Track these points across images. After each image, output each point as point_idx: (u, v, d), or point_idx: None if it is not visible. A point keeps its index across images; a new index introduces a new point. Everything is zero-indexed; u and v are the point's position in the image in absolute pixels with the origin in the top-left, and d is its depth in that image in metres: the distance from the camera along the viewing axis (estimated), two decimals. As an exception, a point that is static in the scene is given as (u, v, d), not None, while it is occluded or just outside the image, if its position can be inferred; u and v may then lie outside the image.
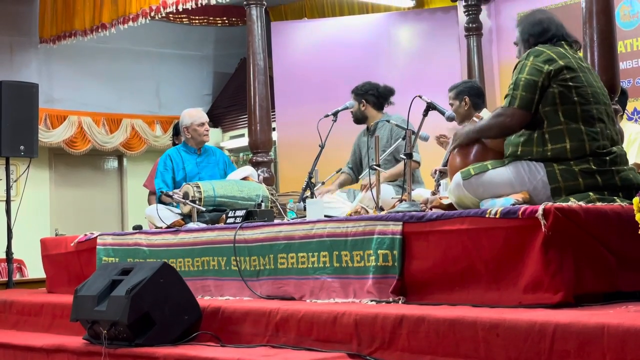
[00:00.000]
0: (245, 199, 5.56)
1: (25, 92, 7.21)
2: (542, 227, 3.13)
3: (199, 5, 7.60)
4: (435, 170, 5.09)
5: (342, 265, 3.93)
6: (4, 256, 7.12)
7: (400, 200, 4.26)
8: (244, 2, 6.93)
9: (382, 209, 4.31)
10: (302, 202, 5.06)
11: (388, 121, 5.61)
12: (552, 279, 3.13)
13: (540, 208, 3.15)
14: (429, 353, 3.09)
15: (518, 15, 8.02)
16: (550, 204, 3.19)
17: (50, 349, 4.44)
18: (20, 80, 7.91)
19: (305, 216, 4.68)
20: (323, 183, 5.57)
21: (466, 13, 8.55)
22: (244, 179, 5.91)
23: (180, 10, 7.90)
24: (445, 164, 4.27)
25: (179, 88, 11.60)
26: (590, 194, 3.55)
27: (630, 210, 3.35)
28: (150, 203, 6.67)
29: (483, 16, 8.61)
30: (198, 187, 5.46)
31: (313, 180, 5.18)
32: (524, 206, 3.29)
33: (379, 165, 4.55)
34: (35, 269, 7.77)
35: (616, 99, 4.63)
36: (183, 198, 5.40)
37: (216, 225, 5.01)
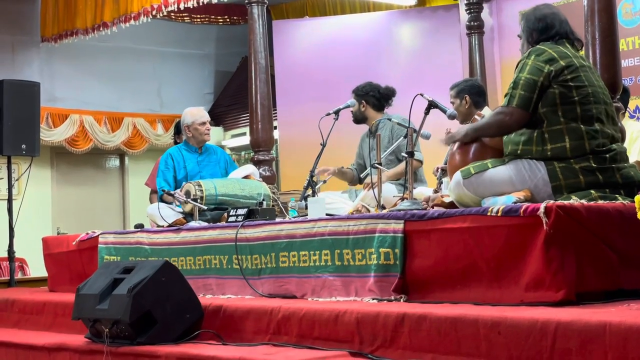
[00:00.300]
0: (247, 197, 5.56)
1: (27, 90, 7.21)
2: (544, 225, 3.13)
3: (200, 3, 7.60)
4: (438, 168, 5.09)
5: (344, 264, 3.93)
6: (5, 255, 7.12)
7: (402, 199, 4.26)
8: (245, 1, 6.93)
9: (383, 207, 4.31)
10: (303, 201, 5.06)
11: (389, 119, 5.61)
12: (554, 277, 3.13)
13: (542, 206, 3.15)
14: (430, 351, 3.09)
15: (520, 13, 8.01)
16: (551, 202, 3.19)
17: (52, 348, 4.44)
18: (22, 79, 7.92)
19: (306, 215, 4.68)
20: (324, 182, 5.57)
21: (468, 11, 8.54)
22: (246, 177, 5.91)
23: (182, 8, 7.90)
24: (447, 162, 4.27)
25: (180, 87, 11.60)
26: (592, 191, 3.55)
27: (632, 208, 3.35)
28: (151, 202, 6.68)
29: (485, 14, 8.60)
30: (200, 185, 5.47)
31: (314, 178, 5.18)
32: (526, 204, 3.29)
33: (380, 164, 4.55)
34: (37, 268, 7.77)
35: (618, 97, 4.62)
36: (185, 197, 5.41)
37: (218, 223, 5.01)
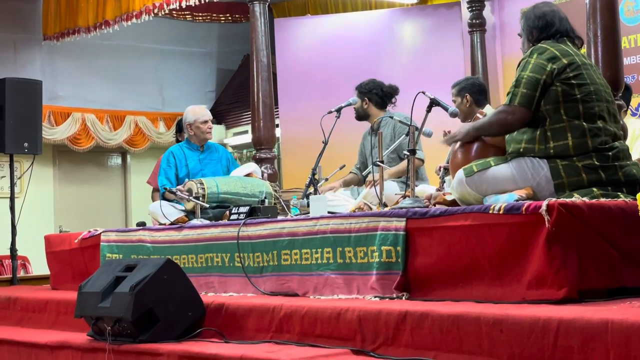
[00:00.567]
0: (249, 195, 5.56)
1: (29, 89, 7.22)
2: (546, 222, 3.13)
3: (202, 2, 7.60)
4: (440, 167, 5.09)
5: (346, 262, 3.93)
6: (8, 253, 7.13)
7: (404, 197, 4.26)
8: (247, -1, 6.93)
9: (385, 205, 4.31)
10: (305, 199, 5.06)
11: (392, 117, 5.60)
12: (556, 275, 3.13)
13: (544, 204, 3.15)
14: (432, 349, 3.09)
15: (522, 9, 8.00)
16: (554, 199, 3.19)
17: (54, 346, 4.44)
18: (24, 77, 7.92)
19: (308, 213, 4.68)
20: (327, 179, 5.57)
21: (470, 9, 8.54)
22: (248, 175, 5.91)
23: (184, 7, 7.90)
24: (449, 161, 4.27)
25: (182, 85, 11.60)
26: (594, 189, 3.55)
27: (634, 206, 3.35)
28: (153, 200, 6.68)
29: (487, 12, 8.60)
30: (201, 183, 5.47)
31: (316, 176, 5.18)
32: (528, 202, 3.29)
33: (382, 162, 4.55)
34: (39, 266, 7.78)
35: (620, 94, 4.62)
36: (187, 194, 5.41)
37: (220, 221, 5.01)
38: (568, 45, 3.79)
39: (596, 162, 3.60)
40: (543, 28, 3.84)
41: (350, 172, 6.05)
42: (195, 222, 5.14)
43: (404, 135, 5.27)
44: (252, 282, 4.36)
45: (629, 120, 5.26)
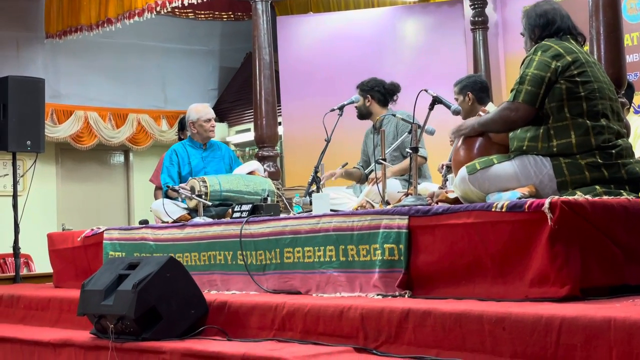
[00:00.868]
0: (252, 193, 5.57)
1: (31, 87, 7.22)
2: (549, 220, 3.12)
3: (204, 0, 7.59)
4: (442, 165, 5.09)
5: (348, 260, 3.93)
6: (11, 251, 7.14)
7: (406, 194, 4.26)
8: (250, -3, 6.93)
9: (388, 203, 4.31)
10: (308, 197, 5.06)
11: (394, 115, 5.61)
12: (559, 273, 3.13)
13: (547, 202, 3.15)
14: (435, 347, 3.09)
15: (524, 8, 7.99)
16: (556, 197, 3.19)
17: (57, 344, 4.45)
18: (26, 76, 7.92)
19: (311, 210, 4.68)
20: (333, 179, 5.57)
21: (472, 7, 8.53)
22: (250, 173, 5.92)
23: (186, 4, 7.90)
24: (451, 159, 4.27)
25: (184, 83, 11.61)
26: (597, 187, 3.55)
27: (637, 204, 3.36)
28: (156, 198, 6.68)
29: (489, 10, 8.60)
30: (204, 181, 5.47)
31: (319, 174, 5.18)
32: (530, 200, 3.29)
33: (384, 159, 4.55)
34: (42, 264, 7.80)
35: (622, 92, 4.61)
36: (189, 192, 5.41)
37: (222, 219, 5.01)
38: (571, 42, 3.78)
39: (599, 160, 3.59)
40: (545, 26, 3.84)
41: (354, 167, 6.05)
42: (197, 220, 5.14)
43: (407, 133, 5.27)
44: (255, 280, 4.36)
45: (632, 118, 5.26)
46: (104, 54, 10.92)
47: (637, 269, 3.31)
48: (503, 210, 3.30)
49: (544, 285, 3.16)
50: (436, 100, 4.33)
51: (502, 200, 3.43)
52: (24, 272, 7.75)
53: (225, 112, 11.68)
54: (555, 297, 3.10)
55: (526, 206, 3.23)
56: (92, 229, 5.65)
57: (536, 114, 3.68)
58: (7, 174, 8.45)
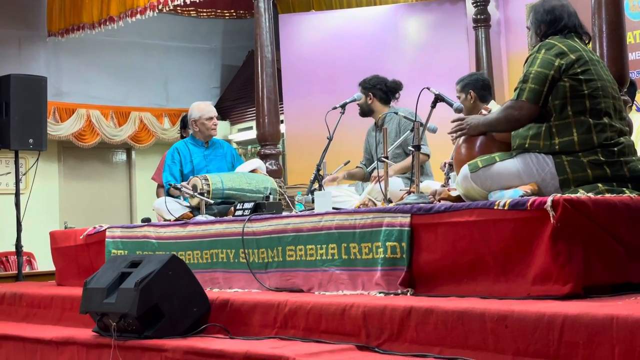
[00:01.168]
0: (254, 191, 5.57)
1: (33, 85, 7.23)
2: (551, 218, 3.12)
3: (207, -3, 7.60)
4: (445, 163, 5.09)
5: (351, 258, 3.93)
6: (13, 249, 7.15)
7: (409, 192, 4.26)
8: (252, -5, 6.93)
9: (390, 201, 4.31)
10: (310, 195, 5.06)
11: (396, 113, 5.60)
12: (561, 271, 3.12)
13: (549, 199, 3.15)
14: (437, 345, 3.09)
15: (526, 6, 7.99)
16: (558, 195, 3.19)
17: (59, 341, 4.45)
18: (28, 74, 7.93)
19: (313, 208, 4.68)
20: (336, 185, 5.57)
21: (474, 4, 8.52)
22: (252, 171, 5.92)
23: (188, 2, 7.91)
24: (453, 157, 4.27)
25: (187, 81, 11.61)
26: (599, 185, 3.54)
27: (639, 202, 3.35)
28: (158, 196, 6.69)
29: (491, 8, 8.59)
30: (206, 179, 5.47)
31: (321, 172, 5.18)
32: (533, 198, 3.29)
33: (387, 157, 4.55)
34: (44, 262, 7.80)
35: (625, 90, 4.61)
36: (191, 191, 5.41)
37: (224, 217, 5.01)
38: (576, 41, 3.78)
39: (601, 158, 3.59)
40: (551, 22, 3.83)
41: (357, 167, 6.05)
42: (200, 218, 5.15)
43: (409, 131, 5.27)
44: (257, 278, 4.36)
45: (634, 116, 5.25)
46: (106, 52, 10.93)
47: (640, 267, 3.31)
48: (505, 208, 3.30)
49: (547, 283, 3.16)
50: (438, 98, 4.32)
51: (504, 198, 3.43)
52: (26, 270, 7.76)
53: (227, 110, 11.68)
54: (558, 295, 3.10)
55: (528, 204, 3.22)
56: (95, 227, 5.65)
57: (540, 112, 3.68)
58: (10, 172, 8.46)
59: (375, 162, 5.26)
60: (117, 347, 4.00)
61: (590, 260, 3.17)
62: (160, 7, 8.07)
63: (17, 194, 7.06)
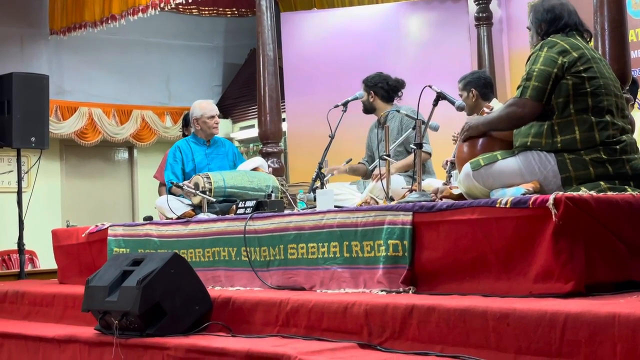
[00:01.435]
0: (256, 189, 5.57)
1: (35, 83, 7.23)
2: (553, 216, 3.12)
3: (208, -4, 7.60)
4: (446, 162, 5.08)
5: (352, 256, 3.93)
6: (15, 247, 7.16)
7: (410, 191, 4.26)
8: (254, -7, 6.92)
9: (392, 199, 4.31)
10: (312, 193, 5.06)
11: (398, 111, 5.60)
12: (563, 269, 3.12)
13: (551, 197, 3.14)
14: (439, 343, 3.09)
15: (529, 4, 7.99)
16: (561, 193, 3.18)
17: (62, 340, 4.46)
18: (30, 72, 7.93)
19: (315, 207, 4.68)
20: (332, 174, 5.57)
21: (476, 2, 8.51)
22: (254, 169, 5.92)
23: (190, 1, 7.91)
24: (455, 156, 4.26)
25: (188, 79, 11.61)
26: (601, 183, 3.54)
27: (642, 200, 3.35)
28: (160, 194, 6.69)
29: (493, 6, 8.58)
30: (208, 178, 5.47)
31: (323, 170, 5.18)
32: (535, 196, 3.29)
33: (389, 155, 4.55)
34: (46, 260, 7.80)
35: (627, 88, 4.60)
36: (193, 189, 5.41)
37: (226, 216, 5.02)
38: (577, 39, 3.78)
39: (603, 156, 3.59)
40: (552, 21, 3.83)
41: (359, 162, 6.04)
42: (202, 216, 5.15)
43: (411, 129, 5.26)
44: (259, 276, 4.36)
45: (636, 114, 5.25)
46: (108, 50, 10.93)
47: (642, 265, 3.31)
48: (507, 206, 3.30)
49: (549, 281, 3.16)
50: (440, 96, 4.32)
51: (506, 196, 3.43)
52: (28, 268, 7.76)
53: (229, 108, 11.68)
54: (560, 293, 3.10)
55: (530, 202, 3.22)
56: (97, 225, 5.66)
57: (542, 110, 3.68)
58: (12, 171, 8.48)
59: (377, 160, 5.25)
60: (119, 345, 4.00)
61: (592, 258, 3.17)
62: (162, 5, 8.07)
63: (19, 192, 7.07)
